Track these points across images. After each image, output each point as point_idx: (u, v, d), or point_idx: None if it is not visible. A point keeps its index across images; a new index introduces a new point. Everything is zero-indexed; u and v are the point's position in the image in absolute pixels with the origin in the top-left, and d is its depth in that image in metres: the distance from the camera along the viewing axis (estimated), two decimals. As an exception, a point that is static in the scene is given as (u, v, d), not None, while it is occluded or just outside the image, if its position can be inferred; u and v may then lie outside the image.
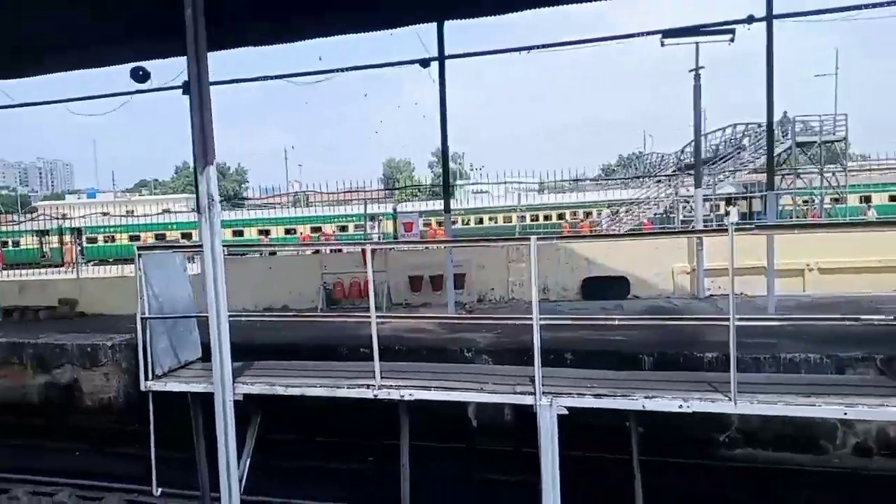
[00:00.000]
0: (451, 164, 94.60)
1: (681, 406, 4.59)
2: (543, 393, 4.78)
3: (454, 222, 17.66)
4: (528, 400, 4.79)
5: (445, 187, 12.21)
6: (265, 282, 13.58)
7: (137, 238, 28.03)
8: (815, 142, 30.86)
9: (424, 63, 11.26)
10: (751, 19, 9.72)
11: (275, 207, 37.72)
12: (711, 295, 12.59)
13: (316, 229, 34.35)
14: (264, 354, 6.95)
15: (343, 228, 34.15)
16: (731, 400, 4.50)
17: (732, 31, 11.08)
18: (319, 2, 10.17)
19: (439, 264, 12.93)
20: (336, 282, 13.29)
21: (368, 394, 5.17)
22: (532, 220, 34.48)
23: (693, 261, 12.70)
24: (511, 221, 33.60)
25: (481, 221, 35.76)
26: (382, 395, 5.15)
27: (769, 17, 9.64)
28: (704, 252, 12.36)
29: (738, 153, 31.49)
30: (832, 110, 33.18)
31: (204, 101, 5.31)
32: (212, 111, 5.35)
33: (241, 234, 35.94)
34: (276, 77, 12.45)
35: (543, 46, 11.72)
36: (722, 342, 5.46)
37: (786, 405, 4.50)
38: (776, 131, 30.96)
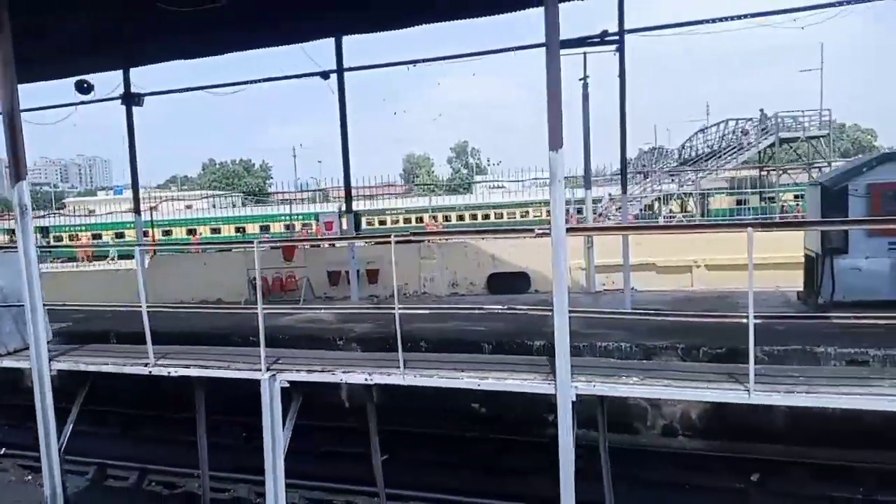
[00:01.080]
0: (470, 160, 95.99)
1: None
2: (268, 369, 5.76)
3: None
4: (256, 375, 5.78)
5: (347, 190, 13.22)
6: (200, 277, 14.81)
7: (99, 237, 29.68)
8: (799, 137, 30.86)
9: (325, 75, 12.26)
10: (604, 34, 10.42)
11: (290, 203, 39.12)
12: (605, 289, 13.34)
13: (239, 229, 35.28)
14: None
15: (265, 228, 35.25)
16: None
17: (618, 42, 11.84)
18: (241, 20, 11.16)
19: (362, 259, 13.99)
20: (265, 277, 14.43)
21: (144, 370, 6.24)
22: (444, 220, 35.24)
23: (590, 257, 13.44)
24: (422, 222, 34.54)
25: (384, 223, 36.44)
26: (156, 371, 6.20)
27: (621, 32, 10.35)
28: (595, 250, 13.09)
29: (725, 150, 31.66)
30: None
31: (16, 126, 6.37)
32: (23, 135, 6.42)
33: (169, 233, 36.78)
34: (200, 88, 13.62)
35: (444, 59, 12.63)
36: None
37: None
38: (755, 130, 31.14)
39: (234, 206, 45.78)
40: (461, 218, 35.58)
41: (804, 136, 30.82)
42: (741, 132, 32.20)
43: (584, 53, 12.59)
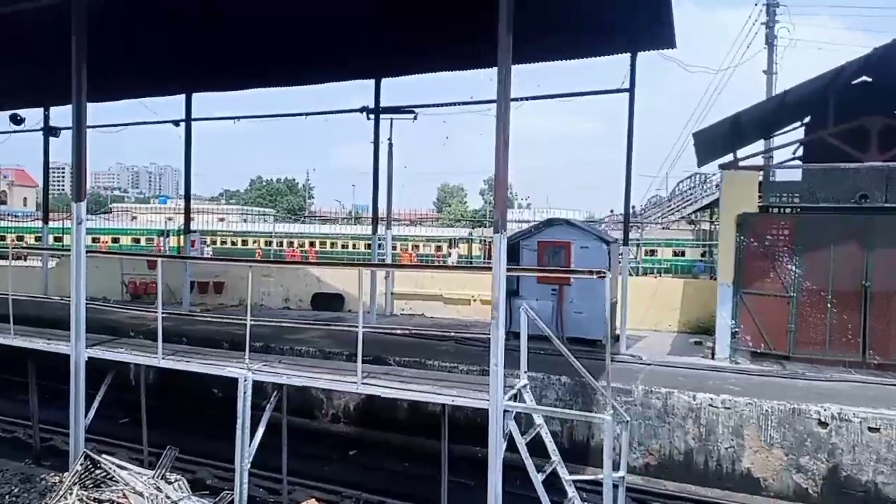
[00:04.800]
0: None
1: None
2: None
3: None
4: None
5: (187, 208, 16.39)
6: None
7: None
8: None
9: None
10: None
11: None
12: (402, 313, 16.37)
13: (115, 240, 37.67)
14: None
15: (136, 240, 37.86)
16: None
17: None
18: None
19: (209, 273, 17.08)
20: (130, 281, 17.54)
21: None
22: (278, 246, 37.85)
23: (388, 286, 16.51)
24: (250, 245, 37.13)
25: (225, 243, 38.96)
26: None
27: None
28: (392, 280, 16.15)
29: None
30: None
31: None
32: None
33: (97, 240, 38.08)
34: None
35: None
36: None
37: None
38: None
39: (264, 221, 49.21)
40: (291, 244, 38.55)
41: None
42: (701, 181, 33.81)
43: (391, 119, 15.78)
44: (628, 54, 11.51)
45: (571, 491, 5.98)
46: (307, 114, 15.84)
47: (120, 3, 9.52)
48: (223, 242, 36.13)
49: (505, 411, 5.88)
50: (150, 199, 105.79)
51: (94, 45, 7.79)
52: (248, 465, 6.63)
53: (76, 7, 7.54)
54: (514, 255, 12.68)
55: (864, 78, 11.00)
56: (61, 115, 18.19)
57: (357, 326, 6.82)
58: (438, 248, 33.17)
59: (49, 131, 17.33)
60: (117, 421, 10.58)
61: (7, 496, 7.34)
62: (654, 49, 11.58)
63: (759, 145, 13.32)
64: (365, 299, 16.92)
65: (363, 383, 6.58)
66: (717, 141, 11.55)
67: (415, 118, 15.57)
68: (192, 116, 15.80)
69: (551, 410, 7.72)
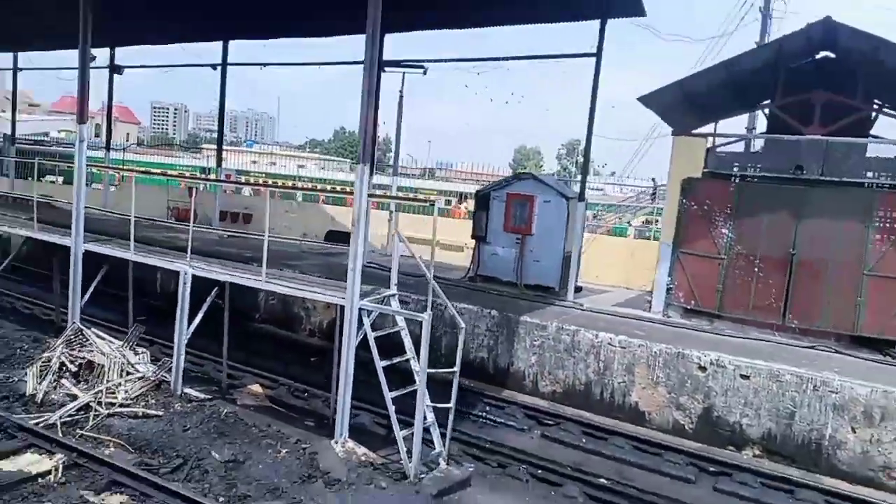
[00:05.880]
0: (579, 158, 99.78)
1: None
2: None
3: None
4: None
5: (219, 148, 18.35)
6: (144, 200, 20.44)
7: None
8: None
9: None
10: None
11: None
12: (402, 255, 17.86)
13: (163, 173, 39.48)
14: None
15: (182, 175, 40.13)
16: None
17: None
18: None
19: (241, 205, 19.21)
20: (175, 206, 19.92)
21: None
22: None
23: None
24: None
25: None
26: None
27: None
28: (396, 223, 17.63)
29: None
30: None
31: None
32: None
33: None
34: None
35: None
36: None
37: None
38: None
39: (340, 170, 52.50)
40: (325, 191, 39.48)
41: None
42: None
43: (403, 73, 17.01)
44: (598, 21, 12.17)
45: (419, 378, 7.32)
46: (320, 64, 17.47)
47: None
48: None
49: (361, 309, 7.30)
50: (241, 142, 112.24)
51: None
52: (185, 342, 8.40)
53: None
54: (485, 203, 13.85)
55: (820, 55, 11.25)
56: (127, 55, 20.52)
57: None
58: (448, 202, 34.13)
59: (114, 69, 19.69)
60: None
61: (19, 349, 9.55)
62: (624, 16, 12.19)
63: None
64: (372, 238, 18.67)
65: (266, 281, 8.16)
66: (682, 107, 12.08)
67: (424, 72, 16.70)
68: (229, 62, 17.66)
69: (392, 310, 8.23)
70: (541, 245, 13.18)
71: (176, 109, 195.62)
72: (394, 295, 8.07)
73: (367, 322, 7.38)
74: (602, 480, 8.08)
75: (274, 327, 13.38)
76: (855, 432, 8.35)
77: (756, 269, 11.03)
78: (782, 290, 10.86)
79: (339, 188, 36.99)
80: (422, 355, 7.01)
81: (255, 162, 45.08)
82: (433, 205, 8.45)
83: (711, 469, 8.49)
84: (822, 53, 11.32)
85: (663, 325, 11.07)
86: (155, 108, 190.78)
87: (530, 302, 12.23)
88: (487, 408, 10.11)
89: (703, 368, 9.27)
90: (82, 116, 9.80)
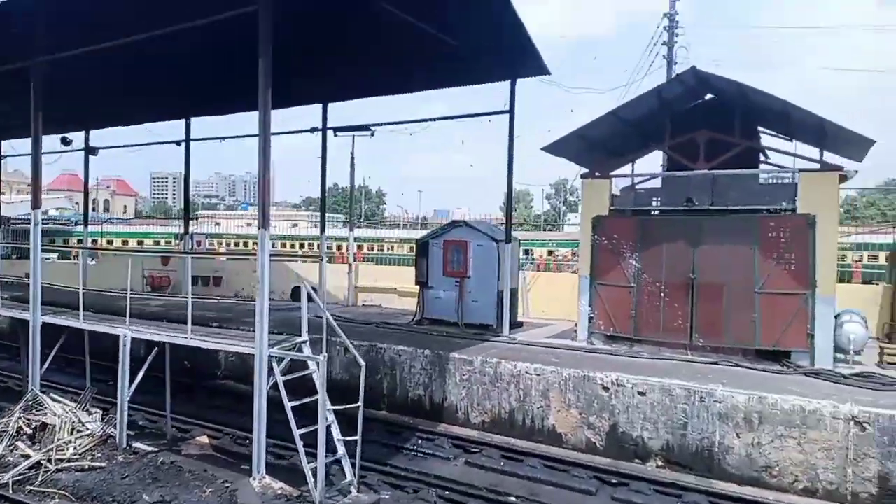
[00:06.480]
0: (568, 197, 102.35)
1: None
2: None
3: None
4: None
5: (186, 217, 19.55)
6: (117, 271, 21.59)
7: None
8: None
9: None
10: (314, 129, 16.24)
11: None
12: (363, 305, 18.87)
13: (139, 242, 41.06)
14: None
15: (157, 242, 41.27)
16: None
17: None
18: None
19: (211, 269, 20.30)
20: (150, 275, 21.04)
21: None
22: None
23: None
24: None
25: (230, 245, 41.23)
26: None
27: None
28: (354, 275, 18.69)
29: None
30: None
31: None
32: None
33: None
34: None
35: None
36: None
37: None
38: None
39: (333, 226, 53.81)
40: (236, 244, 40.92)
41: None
42: None
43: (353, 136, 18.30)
44: (508, 81, 13.46)
45: (331, 417, 8.22)
46: (275, 133, 18.66)
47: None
48: (227, 244, 39.99)
49: (271, 356, 8.27)
50: (237, 206, 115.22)
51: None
52: (128, 399, 9.33)
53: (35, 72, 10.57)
54: (425, 251, 14.92)
55: (708, 97, 12.47)
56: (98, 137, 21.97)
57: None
58: (412, 249, 35.37)
59: (89, 150, 21.11)
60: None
61: (-17, 419, 10.46)
62: (531, 76, 13.48)
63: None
64: (333, 290, 19.69)
65: (191, 338, 9.15)
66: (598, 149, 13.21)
67: (371, 135, 18.03)
68: (192, 138, 19.07)
69: (293, 354, 9.04)
70: (477, 286, 14.19)
71: (175, 179, 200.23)
72: (305, 341, 9.02)
73: (276, 368, 8.33)
74: (511, 498, 8.87)
75: (234, 382, 14.28)
76: (739, 437, 9.17)
77: (663, 295, 11.98)
78: (687, 312, 11.80)
79: (285, 247, 38.34)
80: (320, 394, 7.95)
81: (249, 224, 46.49)
82: (322, 260, 9.30)
83: (613, 481, 9.27)
84: (709, 95, 12.56)
85: (583, 353, 11.95)
86: (154, 178, 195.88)
87: (468, 339, 13.15)
88: (420, 441, 10.92)
89: (605, 388, 10.13)
90: (37, 202, 10.95)
